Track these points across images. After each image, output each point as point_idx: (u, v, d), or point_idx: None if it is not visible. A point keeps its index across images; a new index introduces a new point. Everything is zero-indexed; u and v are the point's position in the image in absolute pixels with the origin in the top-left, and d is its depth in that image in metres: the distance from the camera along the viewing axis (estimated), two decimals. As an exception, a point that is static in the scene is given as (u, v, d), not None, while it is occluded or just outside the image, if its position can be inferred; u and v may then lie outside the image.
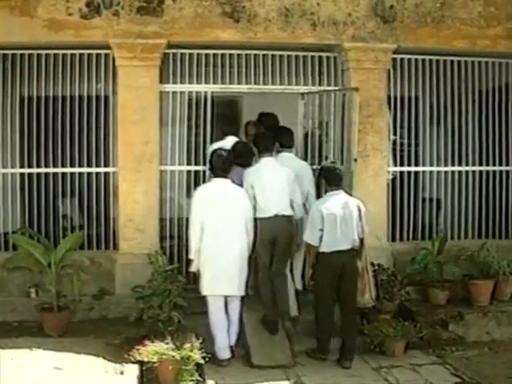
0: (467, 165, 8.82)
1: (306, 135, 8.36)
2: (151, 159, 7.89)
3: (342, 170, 7.23)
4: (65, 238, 7.76)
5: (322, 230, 6.83)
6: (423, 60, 8.50)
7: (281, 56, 8.24)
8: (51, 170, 8.20)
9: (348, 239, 6.89)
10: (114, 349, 6.83)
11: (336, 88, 8.25)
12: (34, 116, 8.08)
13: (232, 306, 7.13)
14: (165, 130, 8.11)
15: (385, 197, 8.29)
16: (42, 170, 8.18)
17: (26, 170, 8.18)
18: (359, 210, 6.97)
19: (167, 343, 6.32)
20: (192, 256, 7.01)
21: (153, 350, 6.22)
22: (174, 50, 7.97)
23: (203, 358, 6.28)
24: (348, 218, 6.88)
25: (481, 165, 8.83)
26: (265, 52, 8.18)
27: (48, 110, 8.08)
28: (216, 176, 7.03)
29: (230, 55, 8.14)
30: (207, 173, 7.89)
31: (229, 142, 7.67)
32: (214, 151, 7.19)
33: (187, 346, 6.28)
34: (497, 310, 7.70)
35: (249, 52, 8.15)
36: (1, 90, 8.13)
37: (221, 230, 6.90)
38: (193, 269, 7.08)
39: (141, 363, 6.28)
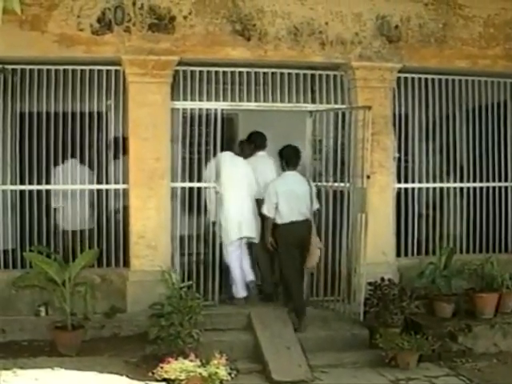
0: (468, 181, 9.01)
1: (314, 153, 8.50)
2: (162, 176, 7.88)
3: (300, 153, 8.21)
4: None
5: (276, 203, 7.93)
6: (426, 79, 8.69)
7: (289, 74, 8.32)
8: (61, 187, 8.17)
9: (300, 212, 7.98)
10: (132, 367, 6.77)
11: (347, 106, 8.37)
12: (38, 132, 7.93)
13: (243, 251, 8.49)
14: (175, 146, 8.10)
15: (391, 213, 8.44)
16: (51, 186, 8.17)
17: (35, 187, 8.03)
18: (310, 188, 8.06)
19: (192, 360, 6.35)
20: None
21: (179, 368, 6.23)
22: (184, 67, 7.98)
23: (229, 374, 6.33)
24: (300, 194, 8.01)
25: (481, 181, 9.03)
26: (274, 70, 8.25)
27: (57, 125, 7.95)
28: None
29: (240, 73, 8.19)
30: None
31: None
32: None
33: (214, 362, 6.33)
34: (502, 322, 7.85)
35: (258, 70, 8.21)
36: (9, 105, 7.95)
37: (236, 186, 8.30)
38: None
39: (166, 381, 6.25)
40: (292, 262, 7.92)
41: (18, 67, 7.80)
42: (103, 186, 8.14)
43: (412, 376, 6.94)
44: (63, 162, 8.20)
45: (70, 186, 8.18)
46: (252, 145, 8.89)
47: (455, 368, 7.24)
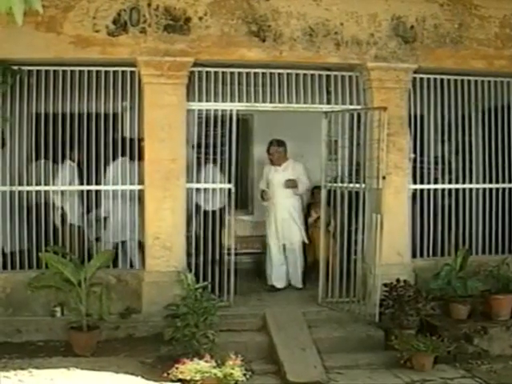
0: (484, 182, 9.00)
1: (329, 154, 8.48)
2: (178, 177, 7.88)
3: None
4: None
5: None
6: (441, 80, 8.65)
7: (304, 75, 8.30)
8: (76, 187, 8.23)
9: None
10: (148, 368, 6.78)
11: (362, 107, 8.34)
12: (54, 133, 7.97)
13: None
14: (190, 147, 8.11)
15: (406, 214, 8.39)
16: (66, 187, 8.19)
17: (52, 188, 8.15)
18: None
19: (207, 361, 6.35)
20: None
21: (194, 369, 6.23)
22: (200, 68, 7.97)
23: (244, 375, 6.33)
24: None
25: (497, 182, 8.98)
26: (289, 71, 8.24)
27: (73, 126, 7.98)
28: None
29: (255, 74, 8.15)
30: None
31: None
32: None
33: (229, 363, 6.33)
34: (518, 324, 7.84)
35: (273, 71, 8.19)
36: (25, 106, 8.02)
37: None
38: None
39: (181, 381, 6.25)
40: None
41: (34, 68, 7.82)
42: (118, 187, 8.14)
43: (427, 378, 6.91)
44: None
45: (85, 187, 8.16)
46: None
47: (471, 370, 7.19)
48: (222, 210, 8.47)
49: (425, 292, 7.84)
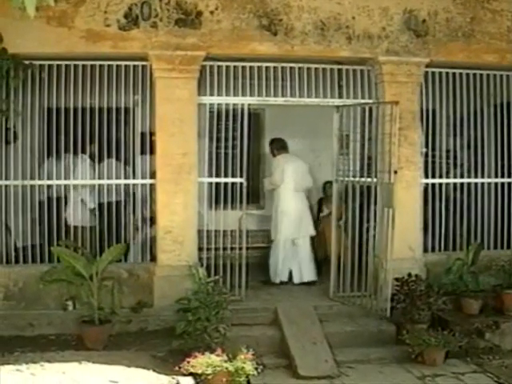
0: (496, 176, 9.01)
1: (341, 148, 8.46)
2: (190, 171, 7.88)
3: None
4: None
5: None
6: (453, 74, 8.62)
7: (316, 69, 8.28)
8: (87, 181, 8.25)
9: None
10: (159, 361, 6.79)
11: (374, 101, 8.31)
12: (66, 127, 7.99)
13: None
14: (202, 141, 8.09)
15: (418, 208, 8.38)
16: (78, 181, 8.21)
17: (64, 182, 8.19)
18: None
19: (218, 355, 6.35)
20: None
21: (206, 363, 6.23)
22: (211, 63, 7.96)
23: (255, 369, 6.32)
24: None
25: (509, 177, 8.99)
26: (300, 65, 8.21)
27: (85, 120, 7.98)
28: None
29: (267, 68, 8.15)
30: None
31: None
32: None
33: (241, 357, 6.33)
34: (530, 319, 7.81)
35: (285, 65, 8.17)
36: (36, 101, 8.05)
37: None
38: None
39: (193, 375, 6.26)
40: None
41: (46, 63, 7.83)
42: (130, 181, 8.18)
43: (439, 372, 6.91)
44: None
45: (96, 181, 8.23)
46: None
47: (482, 365, 7.18)
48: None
49: (436, 287, 7.84)
